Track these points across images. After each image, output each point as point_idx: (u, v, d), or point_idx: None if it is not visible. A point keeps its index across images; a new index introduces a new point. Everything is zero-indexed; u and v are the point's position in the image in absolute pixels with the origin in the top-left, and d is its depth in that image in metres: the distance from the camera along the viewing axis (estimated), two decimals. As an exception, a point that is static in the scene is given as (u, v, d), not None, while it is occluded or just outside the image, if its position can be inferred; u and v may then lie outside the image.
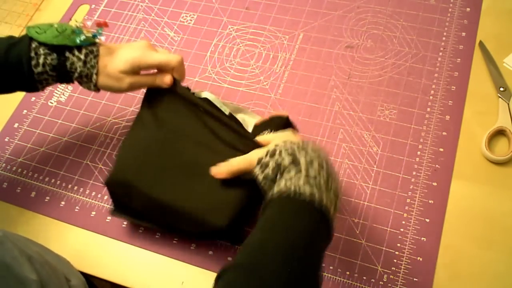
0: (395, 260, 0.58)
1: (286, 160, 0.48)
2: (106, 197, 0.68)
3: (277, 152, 0.49)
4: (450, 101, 0.68)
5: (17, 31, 0.87)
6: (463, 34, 0.74)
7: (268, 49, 0.77)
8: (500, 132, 0.65)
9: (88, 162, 0.71)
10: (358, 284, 0.58)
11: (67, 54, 0.58)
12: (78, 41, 0.58)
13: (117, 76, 0.60)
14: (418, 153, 0.65)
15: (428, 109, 0.68)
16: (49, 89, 0.79)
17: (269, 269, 0.40)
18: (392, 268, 0.58)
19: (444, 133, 0.66)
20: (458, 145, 0.65)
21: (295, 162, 0.47)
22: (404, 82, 0.71)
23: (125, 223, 0.65)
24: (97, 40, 0.60)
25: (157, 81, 0.61)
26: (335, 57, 0.75)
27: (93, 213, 0.67)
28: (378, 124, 0.68)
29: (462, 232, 0.59)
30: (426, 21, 0.76)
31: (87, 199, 0.68)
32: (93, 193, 0.68)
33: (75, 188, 0.69)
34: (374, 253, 0.59)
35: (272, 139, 0.56)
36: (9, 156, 0.73)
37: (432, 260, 0.58)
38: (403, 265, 0.58)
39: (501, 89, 0.67)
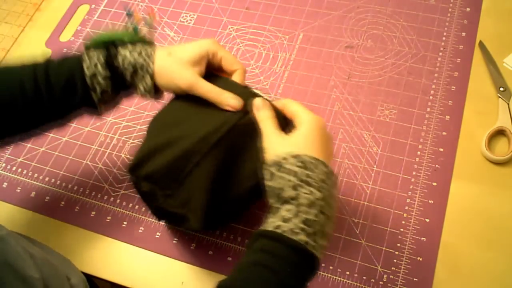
0: (395, 260, 0.58)
1: (288, 192, 0.45)
2: (106, 197, 0.68)
3: (284, 172, 0.46)
4: (450, 101, 0.68)
5: (17, 31, 0.87)
6: (463, 34, 0.74)
7: (268, 49, 0.77)
8: (500, 132, 0.65)
9: (88, 162, 0.71)
10: (358, 284, 0.58)
11: (119, 48, 0.54)
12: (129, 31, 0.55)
13: (182, 66, 0.53)
14: (418, 153, 0.65)
15: (428, 109, 0.68)
16: (49, 89, 0.79)
17: None
18: (392, 268, 0.58)
19: (444, 133, 0.66)
20: (458, 145, 0.65)
21: (296, 198, 0.45)
22: (404, 82, 0.71)
23: (125, 223, 0.65)
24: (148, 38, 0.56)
25: (223, 98, 0.52)
26: (335, 57, 0.75)
27: (93, 213, 0.67)
28: (378, 124, 0.68)
29: (462, 232, 0.59)
30: (426, 21, 0.76)
31: (87, 199, 0.68)
32: (93, 193, 0.68)
33: (75, 188, 0.69)
34: (374, 253, 0.59)
35: (295, 113, 0.50)
36: (9, 156, 0.73)
37: (432, 260, 0.58)
38: (403, 265, 0.58)
39: (501, 89, 0.67)
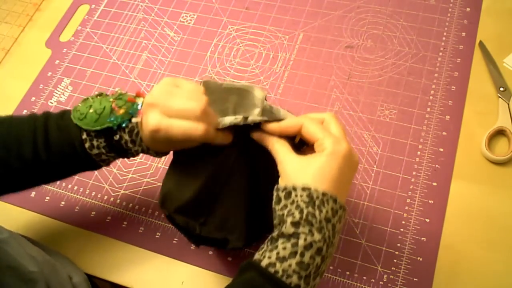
0: (395, 260, 0.58)
1: (288, 228, 0.43)
2: (106, 197, 0.68)
3: (289, 201, 0.44)
4: (450, 101, 0.68)
5: (17, 31, 0.87)
6: (463, 34, 0.74)
7: (268, 49, 0.78)
8: (500, 132, 0.65)
9: (88, 162, 0.71)
10: (358, 284, 0.58)
11: (116, 135, 0.52)
12: (113, 124, 0.52)
13: (165, 120, 0.49)
14: (418, 153, 0.65)
15: (428, 109, 0.68)
16: (49, 88, 0.79)
17: None
18: (392, 268, 0.58)
19: (444, 133, 0.66)
20: (458, 145, 0.65)
21: (294, 236, 0.43)
22: (404, 82, 0.71)
23: (125, 223, 0.65)
24: (134, 119, 0.52)
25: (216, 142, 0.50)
26: (335, 57, 0.75)
27: (93, 213, 0.67)
28: (378, 124, 0.68)
29: (462, 232, 0.59)
30: (426, 21, 0.76)
31: (87, 199, 0.68)
32: (93, 193, 0.68)
33: (75, 188, 0.69)
34: (374, 253, 0.59)
35: (316, 137, 0.47)
36: (9, 156, 0.73)
37: (432, 260, 0.58)
38: (403, 265, 0.58)
39: (501, 89, 0.67)
